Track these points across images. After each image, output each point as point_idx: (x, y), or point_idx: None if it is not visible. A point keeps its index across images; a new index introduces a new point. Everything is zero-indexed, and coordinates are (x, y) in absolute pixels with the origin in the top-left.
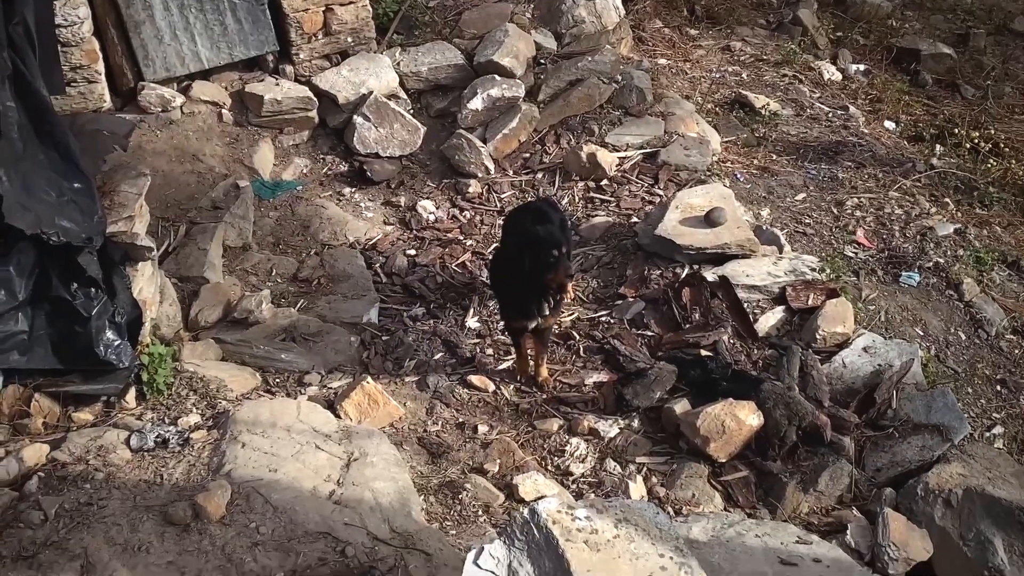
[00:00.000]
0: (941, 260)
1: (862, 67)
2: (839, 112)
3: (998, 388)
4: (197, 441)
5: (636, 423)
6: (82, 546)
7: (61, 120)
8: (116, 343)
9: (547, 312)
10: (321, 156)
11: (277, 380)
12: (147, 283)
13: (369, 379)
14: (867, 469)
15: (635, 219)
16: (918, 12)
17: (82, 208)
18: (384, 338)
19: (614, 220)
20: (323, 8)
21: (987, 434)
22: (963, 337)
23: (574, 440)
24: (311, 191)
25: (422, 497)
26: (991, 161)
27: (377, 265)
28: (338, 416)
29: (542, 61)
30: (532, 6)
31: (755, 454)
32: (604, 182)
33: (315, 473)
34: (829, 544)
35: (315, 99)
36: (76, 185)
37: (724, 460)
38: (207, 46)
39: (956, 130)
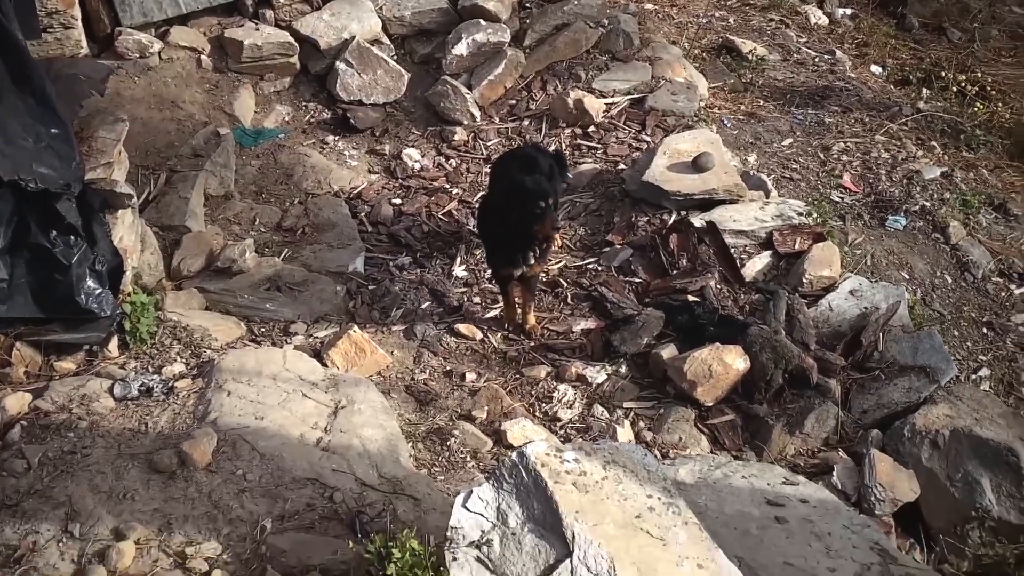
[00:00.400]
0: (927, 203)
1: (849, 11)
2: (826, 57)
3: (984, 330)
4: (182, 390)
5: (624, 369)
6: (66, 494)
7: (38, 65)
8: (97, 291)
9: (532, 261)
10: (303, 103)
11: (262, 329)
12: (127, 231)
13: (356, 328)
14: (853, 411)
15: (622, 166)
16: None
17: (60, 154)
18: (370, 287)
19: (601, 167)
20: None
21: (974, 376)
22: (949, 280)
23: (562, 387)
24: (294, 139)
25: (410, 444)
26: (978, 104)
27: (362, 214)
28: (325, 365)
29: (528, 5)
30: None
31: (742, 398)
32: (591, 129)
33: (302, 421)
34: (816, 485)
35: (296, 44)
36: (53, 131)
37: (711, 404)
38: None
39: (943, 73)
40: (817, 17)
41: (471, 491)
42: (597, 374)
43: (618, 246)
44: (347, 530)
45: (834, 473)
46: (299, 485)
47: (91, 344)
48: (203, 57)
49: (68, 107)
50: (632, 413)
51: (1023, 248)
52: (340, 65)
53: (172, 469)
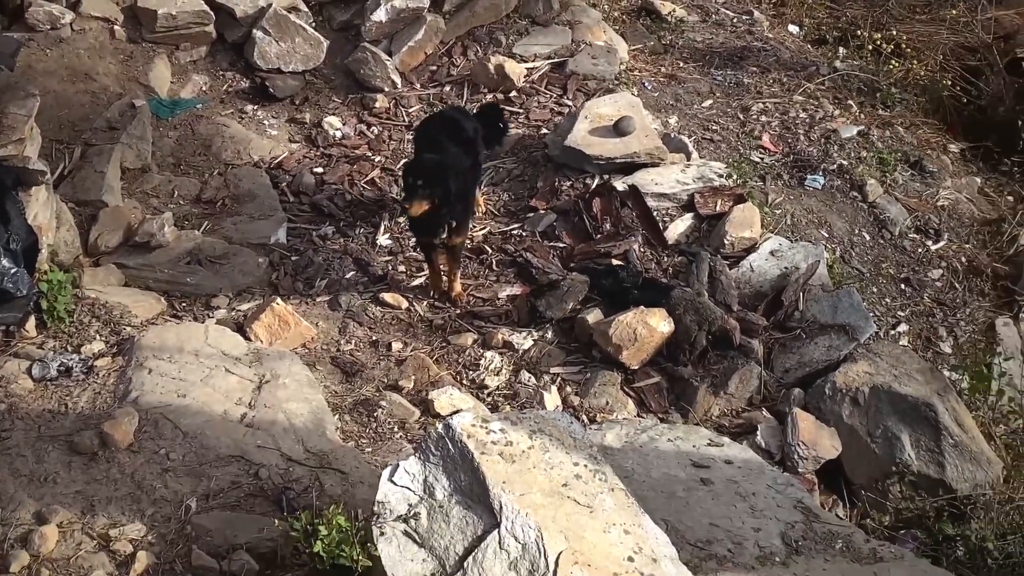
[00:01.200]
0: (845, 162)
1: None
2: (744, 17)
3: (902, 286)
4: (102, 368)
5: (550, 334)
6: None
7: None
8: (12, 271)
9: (445, 234)
10: (221, 72)
11: (183, 304)
12: (42, 208)
13: (279, 300)
14: (776, 371)
15: (545, 130)
16: None
17: None
18: (293, 258)
19: (524, 132)
20: None
21: (892, 332)
22: (867, 237)
23: (488, 354)
24: (212, 109)
25: (336, 416)
26: (893, 62)
27: (283, 184)
28: (248, 339)
29: None
30: None
31: (667, 360)
32: (513, 94)
33: (226, 397)
34: (740, 446)
35: (211, 13)
36: None
37: (636, 367)
38: None
39: (858, 32)
40: None
41: (398, 464)
42: (523, 340)
43: (542, 211)
44: (274, 507)
45: (758, 433)
46: (224, 463)
47: (7, 325)
48: (116, 27)
49: None
50: (559, 378)
51: (939, 204)
52: (257, 33)
53: (93, 450)
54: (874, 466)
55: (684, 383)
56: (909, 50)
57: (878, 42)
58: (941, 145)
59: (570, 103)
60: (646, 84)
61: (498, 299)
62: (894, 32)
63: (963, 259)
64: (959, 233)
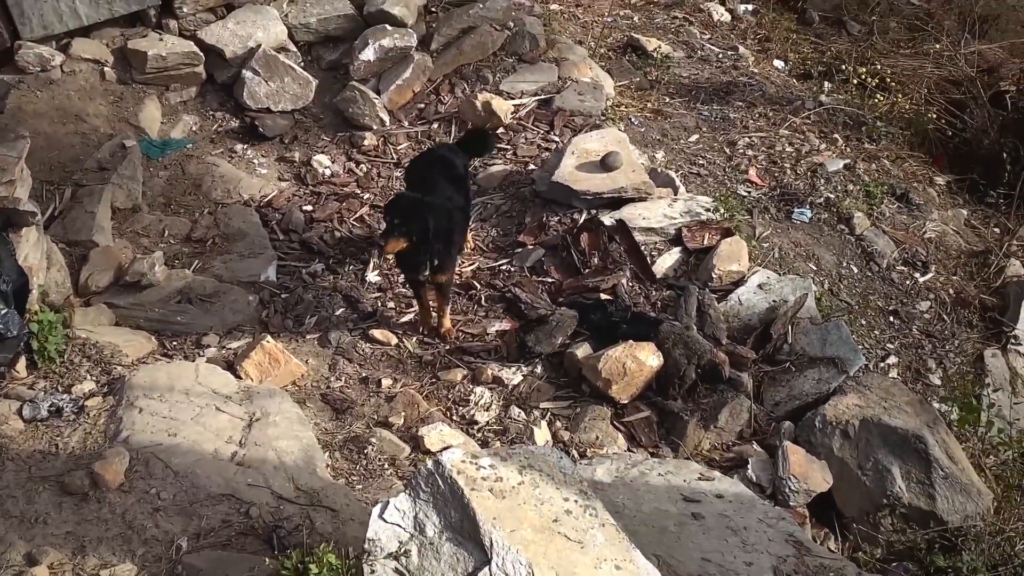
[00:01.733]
0: (832, 195)
1: (750, 7)
2: (729, 53)
3: (891, 319)
4: (92, 408)
5: (539, 369)
6: None
7: None
8: (2, 312)
9: (427, 272)
10: (211, 113)
11: (174, 343)
12: (32, 249)
13: (269, 338)
14: (766, 404)
15: (532, 166)
16: None
17: None
18: (283, 296)
19: (511, 168)
20: None
21: (881, 364)
22: (855, 270)
23: (478, 389)
24: (202, 149)
25: (327, 454)
26: (878, 96)
27: (273, 222)
28: (239, 377)
29: (433, 9)
30: None
31: (656, 394)
32: (500, 130)
33: (216, 435)
34: (731, 480)
35: (201, 54)
36: None
37: (626, 401)
38: (85, 2)
39: (843, 67)
40: (720, 14)
41: (388, 501)
42: (513, 375)
43: (530, 246)
44: (264, 546)
45: (749, 466)
46: (214, 501)
47: None
48: (107, 69)
49: None
50: (549, 413)
51: (926, 236)
52: (247, 73)
53: (84, 491)
54: (865, 499)
55: (674, 417)
56: (894, 84)
57: (863, 76)
58: (927, 178)
59: (557, 139)
60: (633, 120)
61: (487, 335)
62: (879, 66)
63: (951, 291)
64: (946, 265)
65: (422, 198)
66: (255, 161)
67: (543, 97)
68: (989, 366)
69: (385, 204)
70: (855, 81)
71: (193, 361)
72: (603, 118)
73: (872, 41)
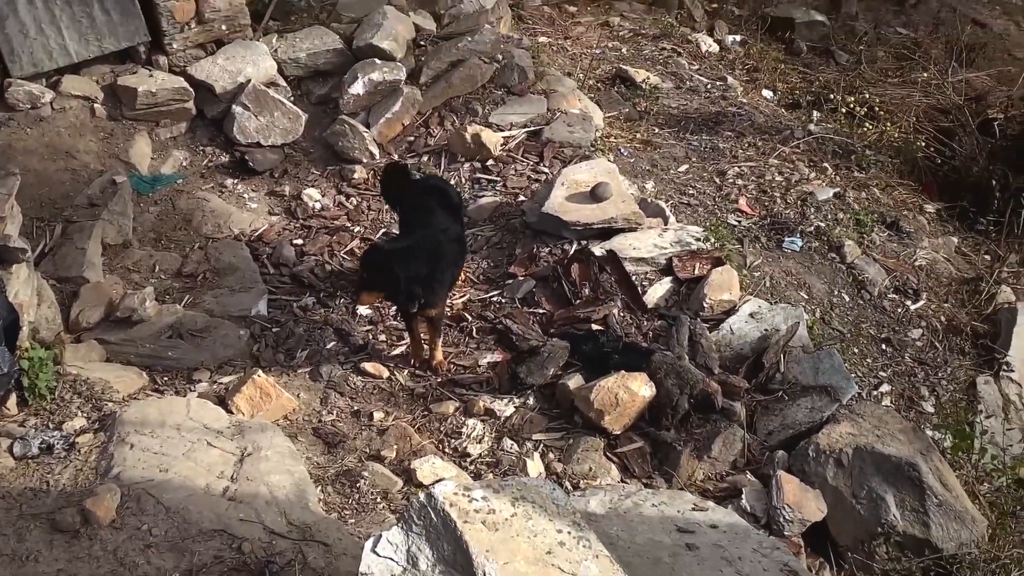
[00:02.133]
0: (822, 224)
1: (738, 38)
2: (718, 83)
3: (883, 347)
4: (83, 445)
5: (531, 401)
6: None
7: None
8: None
9: (415, 308)
10: (201, 148)
11: (165, 379)
12: (23, 286)
13: (260, 372)
14: (759, 433)
15: (522, 198)
16: None
17: None
18: (274, 330)
19: (501, 200)
20: None
21: (874, 392)
22: (847, 298)
23: (470, 421)
24: (192, 184)
25: (319, 488)
26: (867, 124)
27: (264, 256)
28: (230, 411)
29: (422, 43)
30: None
31: (649, 424)
32: (490, 162)
33: (208, 471)
34: (725, 510)
35: (191, 90)
36: None
37: (619, 432)
38: (75, 39)
39: (832, 96)
40: (708, 45)
41: (380, 535)
42: (505, 407)
43: (521, 278)
44: None
45: (743, 496)
46: (206, 537)
47: None
48: (97, 105)
49: None
50: (541, 445)
51: (917, 264)
52: (236, 108)
53: (76, 528)
54: (860, 527)
55: (667, 447)
56: (882, 112)
57: (851, 105)
58: (917, 205)
59: (547, 170)
60: (622, 150)
61: (479, 366)
62: (867, 95)
63: (942, 318)
64: (937, 292)
65: (396, 249)
66: (245, 195)
67: (532, 129)
68: (982, 393)
69: (360, 255)
70: (844, 110)
71: (184, 396)
72: (592, 149)
73: (860, 70)
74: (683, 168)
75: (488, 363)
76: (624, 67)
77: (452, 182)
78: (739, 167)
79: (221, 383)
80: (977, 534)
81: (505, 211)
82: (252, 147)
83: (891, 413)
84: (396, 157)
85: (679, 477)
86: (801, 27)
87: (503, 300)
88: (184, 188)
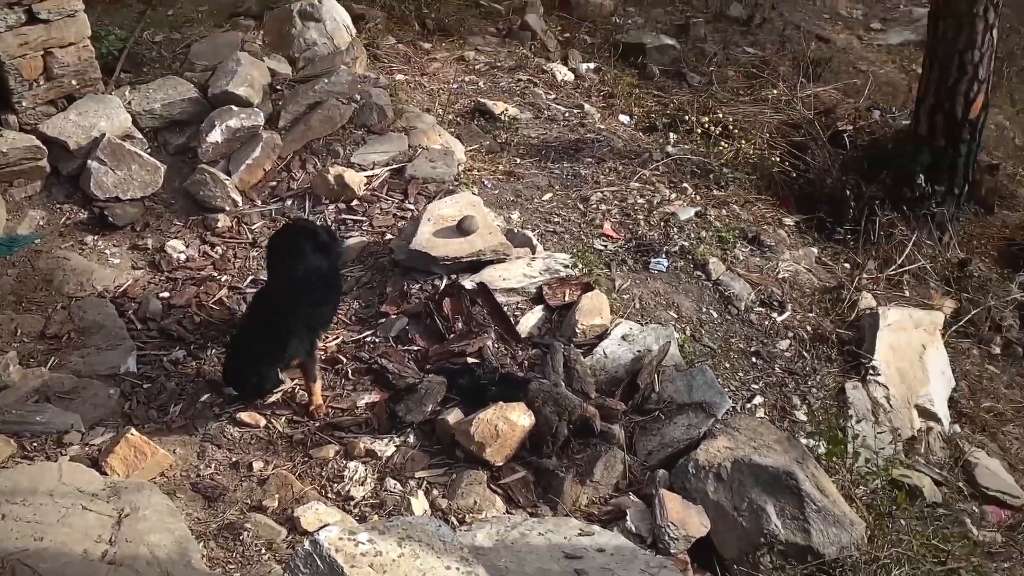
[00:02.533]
0: (686, 243)
1: (592, 65)
2: (575, 111)
3: (753, 360)
4: None
5: (412, 439)
6: None
7: None
8: None
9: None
10: (58, 206)
11: (34, 444)
12: None
13: (133, 431)
14: (639, 454)
15: (389, 236)
16: (639, 7)
17: None
18: (145, 386)
19: (369, 239)
20: (42, 52)
21: (748, 405)
22: (715, 315)
23: (352, 464)
24: (51, 243)
25: (201, 544)
26: (722, 143)
27: (130, 312)
28: (104, 473)
29: (279, 87)
30: (262, 33)
31: (531, 453)
32: (355, 202)
33: (85, 535)
34: (611, 533)
35: (44, 147)
36: None
37: (501, 463)
38: None
39: (687, 117)
40: (563, 74)
41: None
42: (386, 447)
43: (393, 316)
44: None
45: (628, 518)
46: None
47: None
48: None
49: None
50: (425, 482)
51: (780, 277)
52: (92, 164)
53: None
54: (743, 539)
55: (550, 475)
56: (736, 131)
57: (706, 125)
58: (776, 219)
59: (412, 207)
60: (486, 183)
61: (357, 408)
62: (720, 114)
63: (808, 328)
64: (802, 303)
65: (241, 336)
66: (107, 251)
67: (395, 167)
68: (851, 398)
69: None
70: (699, 130)
71: (55, 461)
72: (456, 183)
73: (712, 91)
74: (547, 196)
75: (366, 404)
76: (482, 100)
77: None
78: (602, 192)
79: (93, 444)
80: (856, 536)
81: (373, 250)
82: (111, 202)
83: (765, 424)
84: (259, 203)
85: (564, 504)
86: (652, 51)
87: (377, 340)
88: (43, 248)
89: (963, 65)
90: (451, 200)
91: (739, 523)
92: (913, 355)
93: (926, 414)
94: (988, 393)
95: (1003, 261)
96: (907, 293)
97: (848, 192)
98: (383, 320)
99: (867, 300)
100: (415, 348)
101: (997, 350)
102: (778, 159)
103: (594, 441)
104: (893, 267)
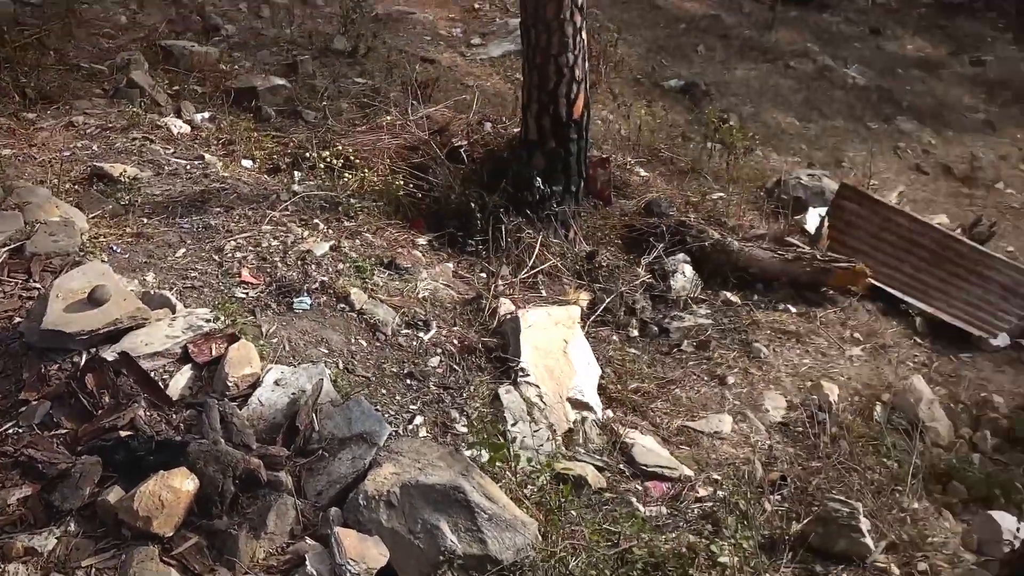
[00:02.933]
0: (325, 278)
1: (207, 115)
2: (196, 162)
3: (408, 381)
4: None
5: (73, 526)
6: None
7: None
8: None
9: None
10: None
11: None
12: None
13: None
14: (309, 496)
15: (18, 319)
16: (245, 51)
17: None
18: None
19: None
20: None
21: (410, 427)
22: (364, 344)
23: (11, 567)
24: None
25: None
26: (346, 175)
27: None
28: None
29: None
30: None
31: (200, 517)
32: None
33: None
34: None
35: None
36: None
37: (171, 533)
38: None
39: (308, 154)
40: (178, 127)
41: None
42: (46, 541)
43: (35, 402)
44: None
45: (307, 563)
46: None
47: None
48: None
49: None
50: (93, 569)
51: (420, 297)
52: None
53: None
54: (423, 561)
55: (223, 535)
56: (358, 160)
57: (328, 159)
58: (410, 241)
59: (38, 285)
60: (115, 248)
61: (9, 506)
62: (340, 147)
63: (455, 341)
64: (445, 319)
65: None
66: None
67: (13, 246)
68: (505, 402)
69: None
70: (322, 165)
71: None
72: (82, 254)
73: (329, 125)
74: (180, 253)
75: (17, 500)
76: (99, 164)
77: None
78: (235, 240)
79: None
80: (531, 536)
81: (2, 337)
82: None
83: (427, 443)
84: None
85: (241, 562)
86: (265, 93)
87: (21, 430)
88: None
89: (560, 69)
90: (79, 272)
91: (416, 546)
92: (557, 351)
93: (579, 405)
94: (633, 375)
95: (627, 247)
96: (543, 292)
97: (473, 205)
98: (24, 408)
99: (506, 306)
100: (63, 431)
101: (635, 332)
102: (402, 182)
103: (263, 492)
104: (526, 270)
